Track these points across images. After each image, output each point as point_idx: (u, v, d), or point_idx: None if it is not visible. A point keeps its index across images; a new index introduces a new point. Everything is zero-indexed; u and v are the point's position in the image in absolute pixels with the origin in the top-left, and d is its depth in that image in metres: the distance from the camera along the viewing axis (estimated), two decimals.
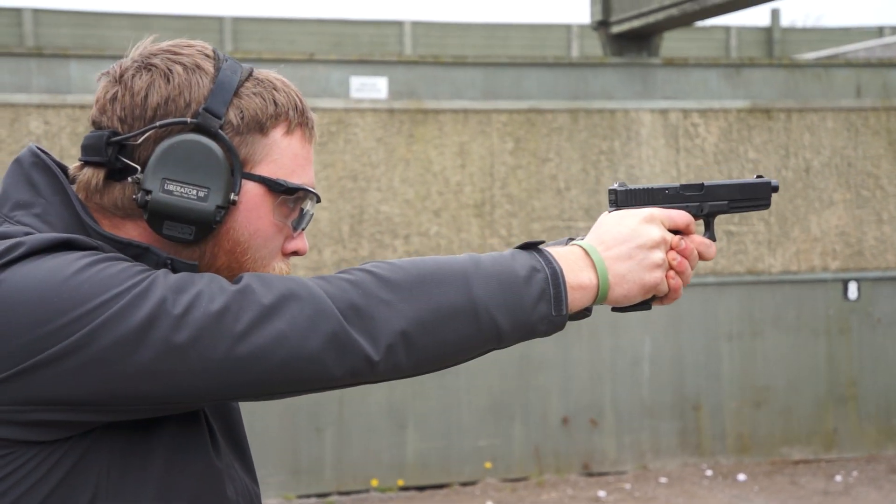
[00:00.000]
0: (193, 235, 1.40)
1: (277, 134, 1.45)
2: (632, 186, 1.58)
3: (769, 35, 15.20)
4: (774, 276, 7.96)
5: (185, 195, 1.38)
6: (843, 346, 8.08)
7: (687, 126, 7.85)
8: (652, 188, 1.59)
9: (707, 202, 1.62)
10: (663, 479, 7.58)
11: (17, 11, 13.30)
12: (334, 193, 7.28)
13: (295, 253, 1.50)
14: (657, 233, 1.52)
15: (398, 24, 14.61)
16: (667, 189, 1.59)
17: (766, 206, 1.66)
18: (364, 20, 14.88)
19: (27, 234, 1.34)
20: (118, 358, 1.28)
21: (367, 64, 7.45)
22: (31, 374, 1.27)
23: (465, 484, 7.45)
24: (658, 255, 1.51)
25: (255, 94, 1.44)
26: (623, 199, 1.58)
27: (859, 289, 8.08)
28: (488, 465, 7.48)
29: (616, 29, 8.39)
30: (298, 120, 1.47)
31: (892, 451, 8.15)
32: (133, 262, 1.35)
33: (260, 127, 1.44)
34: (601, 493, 7.27)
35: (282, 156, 1.45)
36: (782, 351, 7.99)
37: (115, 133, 1.40)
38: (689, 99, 7.88)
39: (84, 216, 1.40)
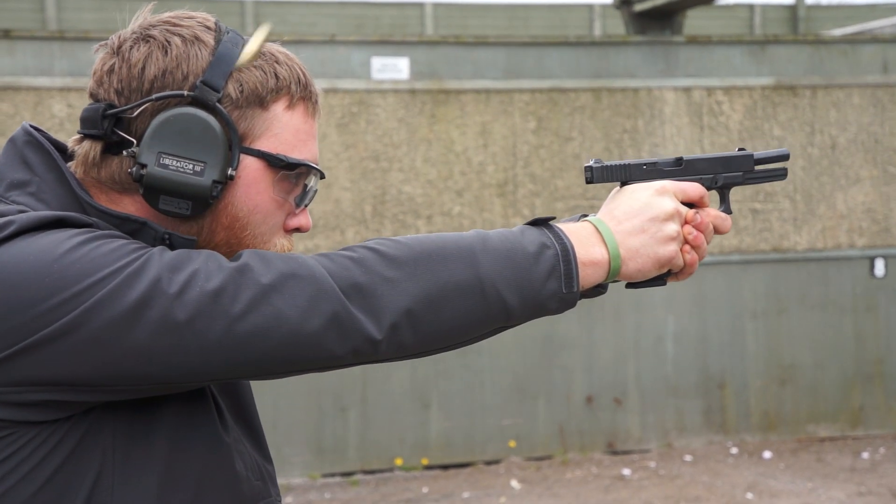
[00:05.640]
0: (190, 210, 1.37)
1: (279, 108, 1.42)
2: (607, 163, 1.54)
3: (794, 12, 15.02)
4: (800, 254, 7.91)
5: (181, 169, 1.36)
6: (870, 324, 8.03)
7: (711, 104, 7.79)
8: (629, 164, 1.54)
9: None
10: (688, 458, 7.55)
11: None
12: (356, 174, 7.27)
13: (297, 229, 1.47)
14: (670, 205, 1.48)
15: (419, 6, 14.55)
16: (644, 164, 1.55)
17: (782, 177, 1.62)
18: (385, 2, 14.83)
19: (20, 212, 1.32)
20: (113, 338, 1.25)
21: (388, 45, 7.43)
22: (25, 355, 1.25)
23: (489, 463, 7.46)
24: (672, 228, 1.47)
25: (255, 67, 1.41)
26: (599, 175, 1.54)
27: (886, 266, 8.02)
28: (512, 443, 7.48)
29: (639, 7, 8.33)
30: (301, 94, 1.44)
31: None
32: (128, 240, 1.33)
33: (260, 101, 1.41)
34: (626, 472, 7.25)
35: (283, 130, 1.42)
36: (808, 329, 7.94)
37: (112, 105, 1.38)
38: (712, 77, 7.81)
39: (79, 192, 1.38)
